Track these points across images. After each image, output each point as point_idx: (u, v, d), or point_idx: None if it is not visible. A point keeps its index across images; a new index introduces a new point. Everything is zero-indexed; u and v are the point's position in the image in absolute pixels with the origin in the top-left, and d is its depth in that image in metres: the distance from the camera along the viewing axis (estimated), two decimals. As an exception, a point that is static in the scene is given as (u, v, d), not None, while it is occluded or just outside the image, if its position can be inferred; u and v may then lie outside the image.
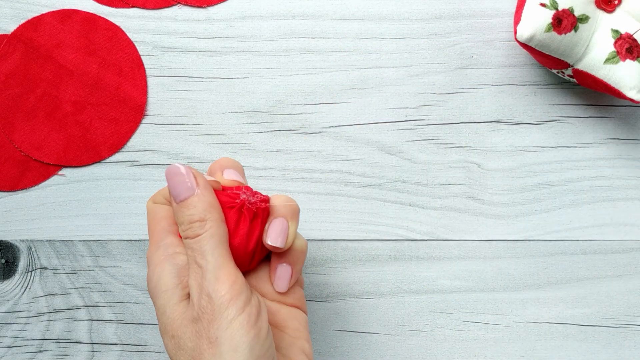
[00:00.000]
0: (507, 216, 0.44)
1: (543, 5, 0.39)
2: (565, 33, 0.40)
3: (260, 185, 0.44)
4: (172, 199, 0.33)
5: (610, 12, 0.41)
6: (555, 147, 0.44)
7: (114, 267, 0.44)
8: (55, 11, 0.44)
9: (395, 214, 0.44)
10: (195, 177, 0.33)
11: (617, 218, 0.44)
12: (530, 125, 0.44)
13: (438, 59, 0.44)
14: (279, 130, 0.44)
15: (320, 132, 0.44)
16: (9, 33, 0.44)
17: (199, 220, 0.32)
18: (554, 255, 0.44)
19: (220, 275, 0.31)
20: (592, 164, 0.44)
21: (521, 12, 0.40)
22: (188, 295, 0.32)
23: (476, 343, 0.44)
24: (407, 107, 0.44)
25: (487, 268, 0.44)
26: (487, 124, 0.44)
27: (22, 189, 0.44)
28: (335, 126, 0.44)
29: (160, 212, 0.35)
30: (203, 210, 0.32)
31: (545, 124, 0.44)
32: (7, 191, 0.44)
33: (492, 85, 0.44)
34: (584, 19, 0.40)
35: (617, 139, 0.44)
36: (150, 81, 0.44)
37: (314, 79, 0.44)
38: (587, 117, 0.44)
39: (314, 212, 0.44)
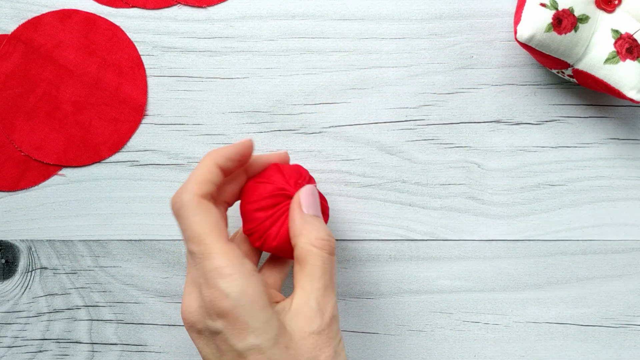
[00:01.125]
0: (507, 216, 0.44)
1: (543, 5, 0.39)
2: (565, 33, 0.40)
3: (260, 185, 0.44)
4: (300, 204, 0.36)
5: (610, 12, 0.41)
6: (555, 147, 0.44)
7: (114, 267, 0.44)
8: (55, 11, 0.44)
9: (395, 214, 0.44)
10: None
11: (617, 218, 0.44)
12: (530, 125, 0.44)
13: (438, 59, 0.44)
14: (279, 130, 0.44)
15: (320, 132, 0.44)
16: (9, 33, 0.44)
17: (333, 245, 0.36)
18: (554, 255, 0.44)
19: (333, 296, 0.35)
20: (592, 164, 0.44)
21: (521, 12, 0.40)
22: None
23: (476, 343, 0.44)
24: (407, 107, 0.44)
25: (487, 268, 0.44)
26: (487, 124, 0.44)
27: (22, 189, 0.44)
28: (335, 126, 0.44)
29: (218, 215, 0.34)
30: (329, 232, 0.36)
31: (545, 124, 0.44)
32: (7, 191, 0.44)
33: (492, 85, 0.44)
34: (584, 19, 0.40)
35: (617, 139, 0.44)
36: (150, 81, 0.44)
37: (314, 79, 0.44)
38: (587, 117, 0.44)
39: (314, 212, 0.44)
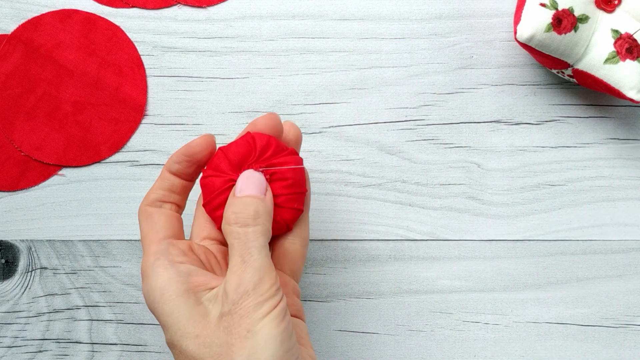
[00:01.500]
0: (507, 216, 0.44)
1: (543, 5, 0.39)
2: (565, 33, 0.40)
3: (260, 185, 0.44)
4: (234, 192, 0.33)
5: (610, 12, 0.41)
6: (555, 147, 0.44)
7: (114, 267, 0.44)
8: (55, 11, 0.44)
9: (395, 214, 0.44)
10: (266, 188, 0.34)
11: (617, 218, 0.44)
12: (530, 125, 0.44)
13: (438, 59, 0.44)
14: (279, 130, 0.44)
15: (320, 132, 0.44)
16: (9, 33, 0.44)
17: (254, 214, 0.32)
18: (554, 255, 0.44)
19: (263, 274, 0.31)
20: (592, 164, 0.44)
21: (521, 12, 0.40)
22: (200, 300, 0.32)
23: (476, 343, 0.44)
24: (407, 107, 0.44)
25: (487, 268, 0.44)
26: (487, 124, 0.44)
27: (22, 189, 0.44)
28: (335, 126, 0.44)
29: (160, 218, 0.35)
30: (260, 210, 0.33)
31: (545, 124, 0.44)
32: (7, 191, 0.44)
33: (492, 85, 0.44)
34: (583, 18, 0.40)
35: (617, 139, 0.44)
36: (150, 81, 0.44)
37: (314, 79, 0.44)
38: (587, 117, 0.44)
39: (314, 212, 0.44)
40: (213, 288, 0.33)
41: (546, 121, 0.44)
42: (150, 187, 0.36)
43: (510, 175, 0.44)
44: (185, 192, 0.36)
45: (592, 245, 0.44)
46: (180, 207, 0.36)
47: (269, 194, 0.34)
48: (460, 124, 0.44)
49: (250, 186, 0.33)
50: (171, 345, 0.32)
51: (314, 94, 0.44)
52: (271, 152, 0.35)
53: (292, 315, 0.35)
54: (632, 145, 0.44)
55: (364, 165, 0.44)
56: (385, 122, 0.44)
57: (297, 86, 0.44)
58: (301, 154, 0.44)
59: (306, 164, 0.44)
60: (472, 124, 0.44)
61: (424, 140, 0.44)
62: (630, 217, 0.44)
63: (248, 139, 0.35)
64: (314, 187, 0.44)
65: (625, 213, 0.44)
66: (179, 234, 0.35)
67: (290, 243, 0.36)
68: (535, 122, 0.44)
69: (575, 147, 0.44)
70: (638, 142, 0.44)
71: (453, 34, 0.44)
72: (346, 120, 0.44)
